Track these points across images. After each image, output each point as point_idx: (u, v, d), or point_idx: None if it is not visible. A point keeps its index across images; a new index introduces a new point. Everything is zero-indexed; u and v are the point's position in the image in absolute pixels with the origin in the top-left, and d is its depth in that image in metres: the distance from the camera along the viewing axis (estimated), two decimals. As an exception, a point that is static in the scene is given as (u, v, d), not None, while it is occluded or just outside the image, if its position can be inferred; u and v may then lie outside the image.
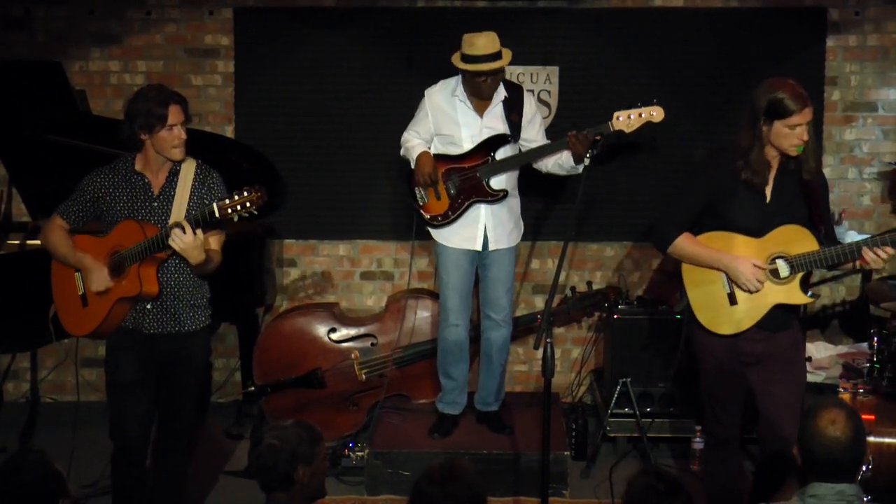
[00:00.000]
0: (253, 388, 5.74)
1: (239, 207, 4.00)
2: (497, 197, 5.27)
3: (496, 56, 5.12)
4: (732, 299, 4.22)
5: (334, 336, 5.83)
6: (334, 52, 6.41)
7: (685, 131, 6.32)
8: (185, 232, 4.04)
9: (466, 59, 5.13)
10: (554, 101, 6.40)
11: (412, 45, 6.32)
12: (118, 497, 4.39)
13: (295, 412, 5.38)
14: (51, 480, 3.11)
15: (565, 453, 5.24)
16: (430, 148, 5.35)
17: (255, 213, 4.03)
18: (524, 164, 5.38)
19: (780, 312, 4.20)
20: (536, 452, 5.07)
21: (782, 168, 4.16)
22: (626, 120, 5.10)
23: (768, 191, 4.17)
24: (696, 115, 6.35)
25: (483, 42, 5.12)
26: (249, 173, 5.72)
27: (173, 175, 4.27)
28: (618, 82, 6.34)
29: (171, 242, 4.05)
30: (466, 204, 5.29)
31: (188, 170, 4.27)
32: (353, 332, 5.88)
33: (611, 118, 5.12)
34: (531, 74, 6.37)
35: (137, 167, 4.24)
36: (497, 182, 5.26)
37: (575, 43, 6.40)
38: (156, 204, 4.23)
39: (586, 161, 4.80)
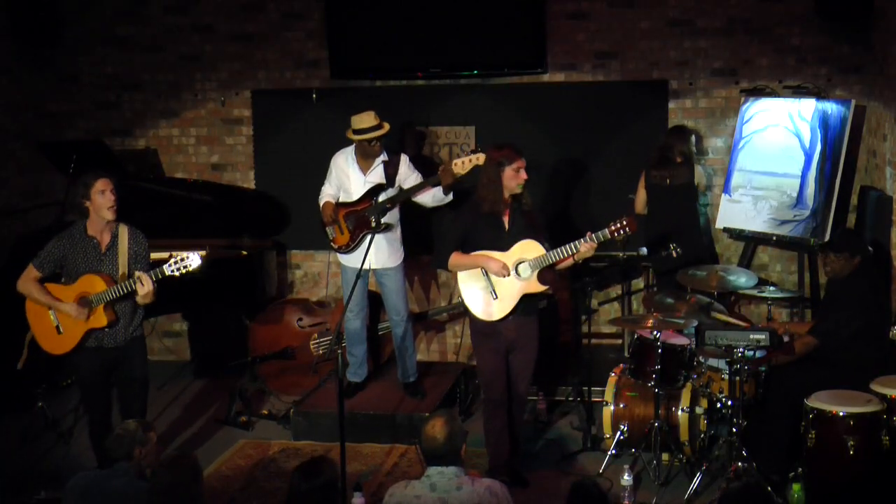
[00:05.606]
0: (249, 359, 7.41)
1: (176, 272, 5.36)
2: (380, 228, 6.74)
3: (378, 126, 6.84)
4: (494, 294, 5.82)
5: (301, 323, 7.59)
6: (319, 118, 8.32)
7: (564, 168, 8.19)
8: (143, 284, 5.43)
9: (356, 132, 6.83)
10: (473, 152, 8.19)
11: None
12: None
13: (277, 375, 7.32)
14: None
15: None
16: (339, 194, 6.99)
17: (187, 273, 5.35)
18: (404, 201, 6.89)
19: (527, 303, 5.81)
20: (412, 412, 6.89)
21: (513, 206, 5.83)
22: (461, 165, 6.60)
23: (505, 222, 5.84)
24: (572, 155, 8.17)
25: (366, 118, 6.82)
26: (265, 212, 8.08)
27: (114, 237, 5.55)
28: (519, 137, 7.81)
29: (138, 288, 5.41)
30: (361, 235, 6.85)
31: (123, 232, 5.54)
32: (313, 320, 7.58)
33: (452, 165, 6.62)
34: (455, 132, 8.36)
35: (89, 232, 5.47)
36: (380, 218, 6.75)
37: (487, 108, 8.31)
38: (104, 258, 5.52)
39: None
